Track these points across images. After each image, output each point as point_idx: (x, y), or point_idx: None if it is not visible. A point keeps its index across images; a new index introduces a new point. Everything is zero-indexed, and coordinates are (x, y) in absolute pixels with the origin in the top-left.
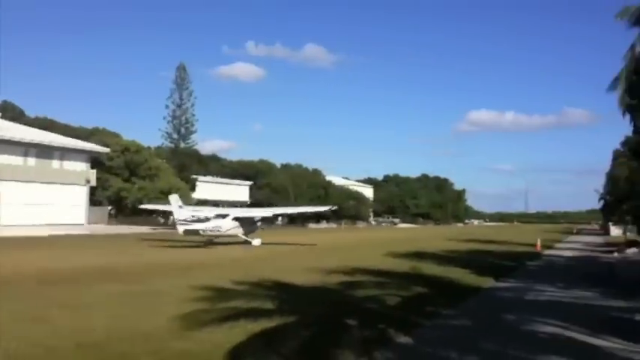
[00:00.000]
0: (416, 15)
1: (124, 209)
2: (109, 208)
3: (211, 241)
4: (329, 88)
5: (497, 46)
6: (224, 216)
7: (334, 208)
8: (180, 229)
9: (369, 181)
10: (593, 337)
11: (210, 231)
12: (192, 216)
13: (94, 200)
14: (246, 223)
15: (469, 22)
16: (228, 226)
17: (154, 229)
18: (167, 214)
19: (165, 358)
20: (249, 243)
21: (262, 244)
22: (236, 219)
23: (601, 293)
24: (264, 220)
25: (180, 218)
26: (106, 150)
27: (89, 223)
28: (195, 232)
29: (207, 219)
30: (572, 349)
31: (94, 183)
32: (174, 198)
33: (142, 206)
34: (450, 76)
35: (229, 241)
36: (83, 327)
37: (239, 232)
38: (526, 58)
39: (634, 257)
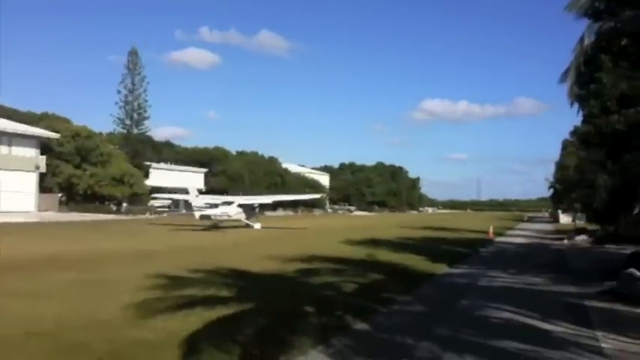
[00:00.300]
0: (371, 3)
1: (74, 196)
2: (60, 195)
3: (216, 225)
4: (284, 75)
5: (449, 36)
6: (230, 203)
7: (324, 196)
8: (197, 214)
9: (325, 169)
10: (545, 322)
11: (220, 216)
12: (206, 203)
13: (44, 187)
14: (248, 209)
15: (422, 11)
16: (234, 212)
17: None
18: (120, 203)
19: (119, 347)
20: (251, 227)
21: (262, 227)
22: (240, 206)
23: (552, 279)
24: (262, 206)
25: (196, 205)
26: (56, 135)
27: (39, 210)
28: (208, 217)
29: (216, 206)
30: (525, 334)
31: (43, 169)
32: (192, 188)
33: (155, 195)
34: (404, 65)
35: (233, 225)
36: (35, 316)
37: (242, 217)
38: (478, 47)
39: (583, 244)
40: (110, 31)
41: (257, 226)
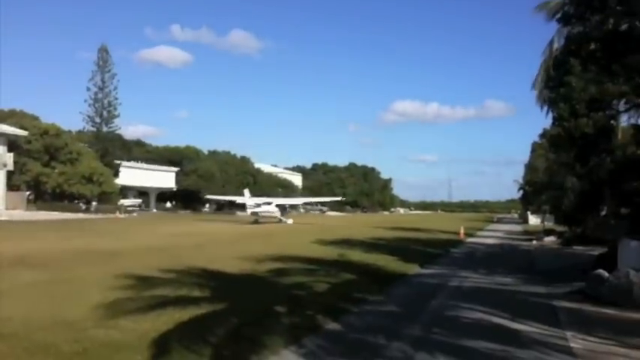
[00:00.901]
0: (344, 5)
1: (43, 195)
2: (28, 193)
3: (257, 221)
4: (257, 75)
5: (421, 37)
6: (269, 203)
7: (344, 199)
8: (249, 211)
9: (297, 169)
10: (515, 322)
11: (264, 213)
12: (255, 203)
13: (12, 185)
14: (282, 208)
15: (395, 13)
16: (273, 210)
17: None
18: (89, 202)
19: (88, 347)
20: (284, 222)
21: (294, 222)
22: (277, 205)
23: (521, 280)
24: (292, 206)
25: (249, 204)
26: (24, 133)
27: (7, 208)
28: (256, 214)
29: (259, 205)
30: (495, 334)
31: (11, 167)
32: (247, 191)
33: (209, 196)
34: (377, 65)
35: (270, 221)
36: (1, 316)
37: (278, 214)
38: (449, 49)
39: (551, 245)
40: (81, 27)
41: (289, 221)
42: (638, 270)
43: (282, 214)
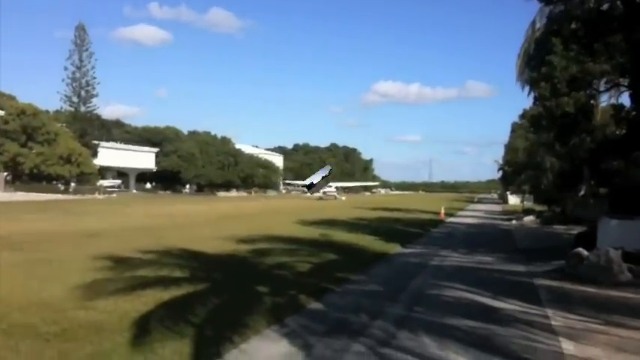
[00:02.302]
0: None
1: (21, 176)
2: (5, 174)
3: (321, 198)
4: (237, 54)
5: (401, 18)
6: (330, 186)
7: (378, 184)
8: (321, 191)
9: (279, 150)
10: (495, 300)
11: (328, 192)
12: (323, 186)
13: None
14: (339, 190)
15: None
16: (333, 190)
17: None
18: (68, 183)
19: (67, 328)
20: (340, 199)
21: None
22: (335, 187)
23: (501, 259)
24: (341, 188)
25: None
26: (1, 113)
27: None
28: (324, 193)
29: (323, 187)
30: (476, 312)
31: None
32: (316, 176)
33: (289, 182)
34: (357, 47)
35: (329, 198)
36: None
37: (335, 193)
38: (430, 30)
39: (531, 225)
40: (58, 6)
41: (343, 198)
42: (617, 248)
43: (338, 193)
